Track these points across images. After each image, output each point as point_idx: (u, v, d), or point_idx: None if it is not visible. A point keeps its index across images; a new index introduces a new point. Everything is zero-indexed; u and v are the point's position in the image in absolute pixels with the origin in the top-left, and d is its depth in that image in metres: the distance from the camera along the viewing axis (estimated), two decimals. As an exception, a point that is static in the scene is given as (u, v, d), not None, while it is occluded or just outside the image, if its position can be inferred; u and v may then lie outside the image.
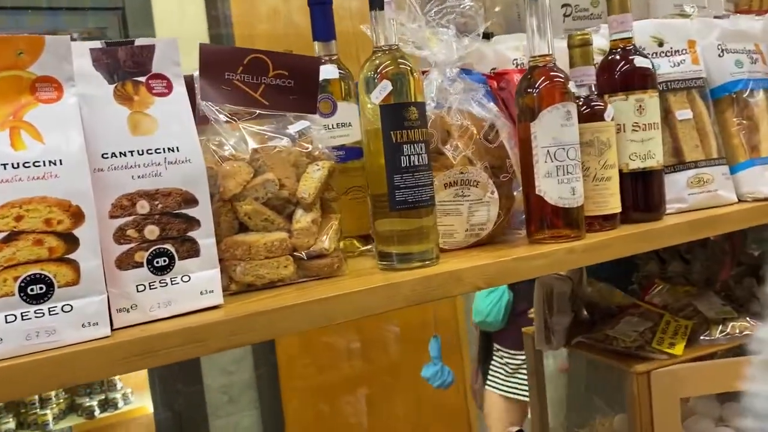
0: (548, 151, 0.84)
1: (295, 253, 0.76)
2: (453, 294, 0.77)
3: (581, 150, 0.89)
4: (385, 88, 0.76)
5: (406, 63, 0.78)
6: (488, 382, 2.35)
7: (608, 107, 0.91)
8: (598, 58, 0.99)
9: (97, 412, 2.63)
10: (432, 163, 0.86)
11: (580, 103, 0.91)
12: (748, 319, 1.22)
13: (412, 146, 0.76)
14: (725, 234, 1.57)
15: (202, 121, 0.76)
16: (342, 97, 0.92)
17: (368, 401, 2.98)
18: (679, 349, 1.16)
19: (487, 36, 1.22)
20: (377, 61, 0.78)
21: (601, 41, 1.03)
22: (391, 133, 0.76)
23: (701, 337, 1.19)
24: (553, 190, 0.84)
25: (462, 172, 0.86)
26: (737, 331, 1.20)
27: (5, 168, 0.56)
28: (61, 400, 2.61)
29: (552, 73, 0.85)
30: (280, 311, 0.66)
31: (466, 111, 0.88)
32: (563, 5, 1.27)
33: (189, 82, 0.74)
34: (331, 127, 0.91)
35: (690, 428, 1.36)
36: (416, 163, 0.77)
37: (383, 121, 0.76)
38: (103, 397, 2.67)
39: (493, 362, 2.35)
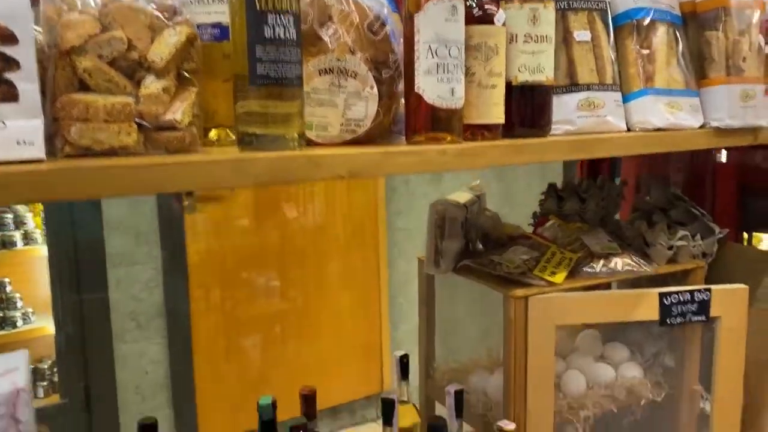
0: (430, 46, 0.80)
1: (141, 122, 0.70)
2: (311, 179, 0.73)
3: (468, 54, 0.86)
4: (252, -51, 0.70)
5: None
6: None
7: (500, 11, 0.88)
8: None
9: (-9, 330, 2.54)
10: (309, 48, 0.81)
11: (473, 4, 0.87)
12: (631, 256, 1.24)
13: (278, 16, 0.71)
14: (623, 179, 1.59)
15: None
16: (220, -31, 0.85)
17: (281, 337, 2.97)
18: (559, 278, 1.16)
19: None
20: None
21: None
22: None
23: (584, 269, 1.21)
24: (432, 88, 0.81)
25: (339, 59, 0.81)
26: (619, 266, 1.22)
27: None
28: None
29: (441, -36, 0.80)
30: (109, 170, 0.61)
31: (351, -3, 0.83)
32: None
33: None
34: (207, 1, 0.84)
35: (572, 363, 1.40)
36: (282, 36, 0.72)
37: (248, -13, 0.71)
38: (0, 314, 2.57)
39: None
